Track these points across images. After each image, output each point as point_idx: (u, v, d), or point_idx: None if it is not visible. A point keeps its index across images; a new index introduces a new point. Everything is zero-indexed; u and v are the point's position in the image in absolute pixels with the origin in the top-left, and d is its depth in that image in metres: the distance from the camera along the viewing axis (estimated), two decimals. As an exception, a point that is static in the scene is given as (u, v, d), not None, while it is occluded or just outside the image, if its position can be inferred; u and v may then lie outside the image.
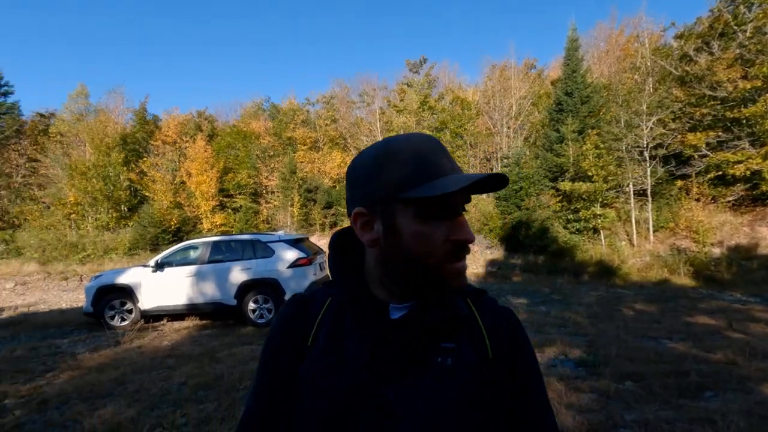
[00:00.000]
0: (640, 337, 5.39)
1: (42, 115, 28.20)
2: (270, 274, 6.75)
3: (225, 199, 23.71)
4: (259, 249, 6.96)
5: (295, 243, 7.13)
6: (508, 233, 15.00)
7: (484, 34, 62.97)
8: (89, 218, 21.28)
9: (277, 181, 23.16)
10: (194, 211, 22.41)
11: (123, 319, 7.00)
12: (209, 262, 7.02)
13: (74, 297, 11.93)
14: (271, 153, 24.86)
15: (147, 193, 22.42)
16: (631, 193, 14.39)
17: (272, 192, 23.77)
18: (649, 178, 13.98)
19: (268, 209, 23.14)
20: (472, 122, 23.17)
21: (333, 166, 24.42)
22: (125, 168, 22.56)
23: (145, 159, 23.52)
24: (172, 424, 3.31)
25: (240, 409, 3.56)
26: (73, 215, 21.23)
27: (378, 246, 0.64)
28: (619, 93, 15.40)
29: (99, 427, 3.26)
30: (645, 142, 13.89)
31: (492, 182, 0.61)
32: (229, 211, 23.13)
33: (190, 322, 7.19)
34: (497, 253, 14.43)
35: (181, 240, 16.17)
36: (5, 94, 23.88)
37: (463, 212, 0.64)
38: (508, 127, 22.68)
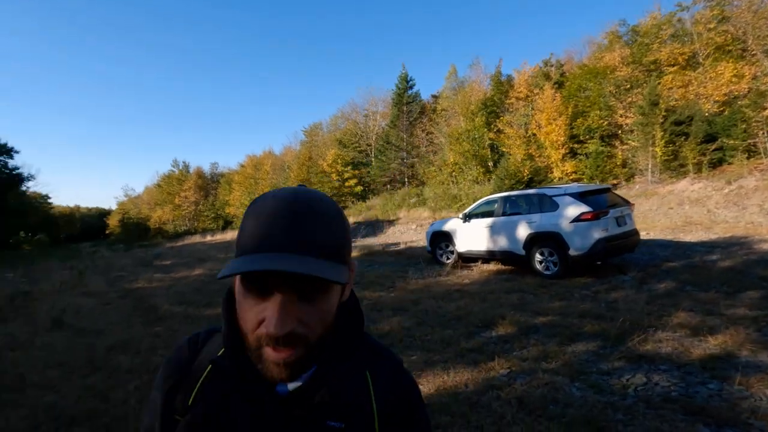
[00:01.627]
0: None
1: (435, 97, 36.60)
2: (552, 228, 6.75)
3: (575, 145, 22.91)
4: (545, 203, 7.02)
5: (583, 196, 6.67)
6: None
7: None
8: (465, 174, 26.37)
9: (634, 117, 20.04)
10: (545, 161, 23.16)
11: (447, 258, 9.02)
12: (503, 215, 7.79)
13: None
14: (628, 86, 21.54)
15: (504, 149, 25.11)
16: None
17: (630, 131, 20.77)
18: None
19: (624, 151, 20.55)
20: None
21: (719, 83, 18.36)
22: (486, 129, 26.08)
23: (501, 118, 26.20)
24: (421, 339, 4.53)
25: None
26: (453, 173, 26.97)
27: None
28: None
29: (378, 331, 4.94)
30: None
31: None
32: (581, 157, 22.24)
33: (494, 266, 8.32)
34: None
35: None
36: (410, 87, 32.77)
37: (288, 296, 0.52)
38: None
